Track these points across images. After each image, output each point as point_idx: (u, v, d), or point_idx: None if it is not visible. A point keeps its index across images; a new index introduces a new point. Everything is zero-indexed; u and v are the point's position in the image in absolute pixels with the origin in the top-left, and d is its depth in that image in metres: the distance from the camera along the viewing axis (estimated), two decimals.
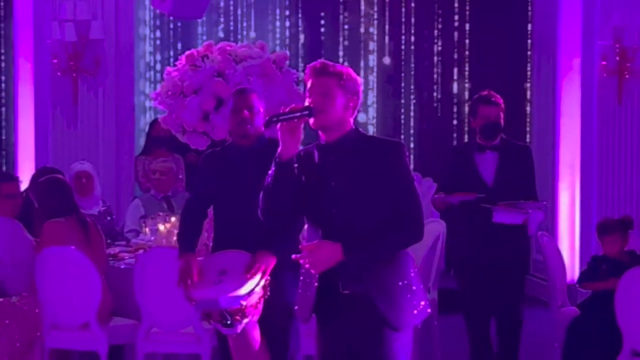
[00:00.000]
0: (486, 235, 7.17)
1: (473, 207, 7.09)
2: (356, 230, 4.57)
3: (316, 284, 4.68)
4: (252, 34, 12.38)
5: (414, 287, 4.67)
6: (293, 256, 4.63)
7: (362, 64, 12.63)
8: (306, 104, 4.65)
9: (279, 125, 4.61)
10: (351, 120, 4.71)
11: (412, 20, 12.58)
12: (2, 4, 11.63)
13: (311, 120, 4.60)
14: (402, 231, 4.62)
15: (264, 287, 5.59)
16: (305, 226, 7.25)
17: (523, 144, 7.87)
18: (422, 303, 4.69)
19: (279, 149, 4.68)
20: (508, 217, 7.07)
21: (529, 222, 7.22)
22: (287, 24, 12.56)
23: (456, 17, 12.57)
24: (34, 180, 8.41)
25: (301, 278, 4.83)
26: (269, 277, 5.64)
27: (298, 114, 4.57)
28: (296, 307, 4.91)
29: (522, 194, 7.20)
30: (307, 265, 4.55)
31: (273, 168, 4.69)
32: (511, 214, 7.09)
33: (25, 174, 9.62)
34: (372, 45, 12.64)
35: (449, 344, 7.93)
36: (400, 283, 4.62)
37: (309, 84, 4.69)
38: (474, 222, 7.19)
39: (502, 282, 7.25)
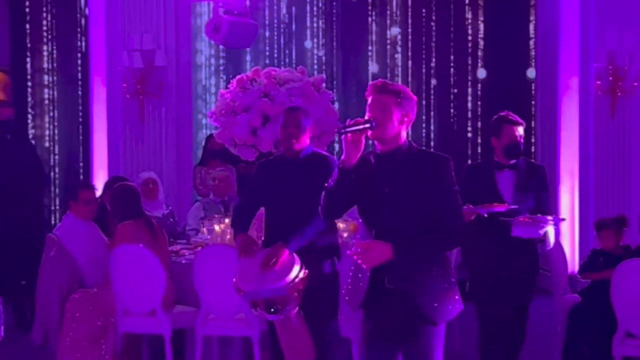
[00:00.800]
0: (501, 246, 6.65)
1: (492, 220, 6.49)
2: (404, 232, 4.54)
3: (367, 278, 4.65)
4: (293, 60, 12.37)
5: (450, 285, 4.64)
6: (348, 252, 4.64)
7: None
8: (366, 117, 4.61)
9: (343, 135, 4.59)
10: (404, 133, 4.65)
11: (433, 46, 12.54)
12: (81, 37, 11.70)
13: (369, 132, 4.55)
14: (445, 236, 4.58)
15: (302, 278, 5.57)
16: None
17: (539, 164, 7.29)
18: (456, 297, 4.66)
19: (342, 157, 4.65)
20: (527, 231, 6.56)
21: (547, 236, 6.81)
22: (323, 51, 12.55)
23: (469, 45, 12.51)
24: (107, 187, 8.44)
25: (351, 272, 4.80)
26: (307, 270, 5.62)
27: (361, 126, 4.55)
28: (347, 298, 4.89)
29: (538, 211, 6.65)
30: (359, 261, 4.53)
31: (336, 173, 4.65)
32: (530, 228, 6.51)
33: (100, 182, 9.67)
34: (397, 70, 12.61)
35: (465, 331, 7.85)
36: (440, 283, 4.60)
37: (369, 100, 4.63)
38: (489, 234, 6.65)
39: (513, 291, 6.76)
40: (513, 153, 6.72)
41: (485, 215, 6.38)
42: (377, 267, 4.55)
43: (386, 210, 4.59)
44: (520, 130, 6.74)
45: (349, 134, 4.54)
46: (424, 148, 4.73)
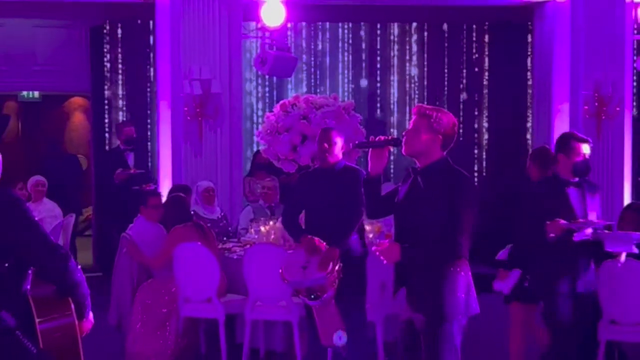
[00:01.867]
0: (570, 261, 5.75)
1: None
2: (417, 237, 4.45)
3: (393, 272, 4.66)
4: (328, 88, 12.38)
5: (457, 288, 4.44)
6: (373, 248, 4.62)
7: (407, 109, 12.59)
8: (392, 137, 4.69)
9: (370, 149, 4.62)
10: (439, 152, 4.51)
11: (445, 75, 12.53)
12: (150, 68, 11.78)
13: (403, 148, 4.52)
14: (441, 247, 4.40)
15: (338, 270, 5.59)
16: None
17: (596, 183, 6.20)
18: (463, 298, 4.45)
19: (369, 167, 4.65)
20: (621, 246, 5.74)
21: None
22: (352, 80, 12.56)
23: (476, 71, 12.50)
24: (170, 195, 8.49)
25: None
26: (341, 264, 5.63)
27: (382, 143, 4.58)
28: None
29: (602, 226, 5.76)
30: (380, 257, 4.51)
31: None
32: (624, 243, 5.70)
33: (165, 190, 9.72)
34: (414, 95, 12.60)
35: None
36: (444, 285, 4.44)
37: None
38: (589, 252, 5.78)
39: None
40: (582, 170, 5.83)
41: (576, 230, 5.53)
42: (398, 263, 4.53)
43: (406, 216, 4.56)
44: (587, 148, 5.86)
45: (370, 149, 4.58)
46: (457, 167, 4.52)
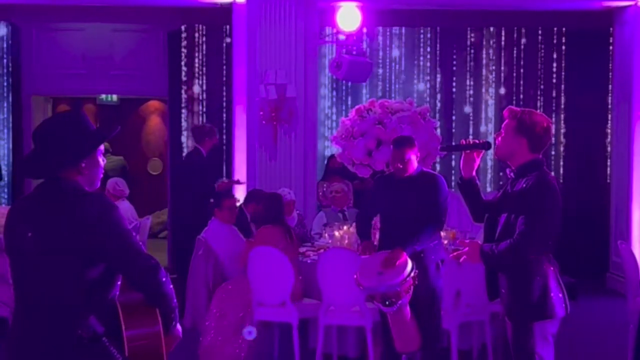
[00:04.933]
0: None
1: None
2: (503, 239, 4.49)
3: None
4: (403, 93, 12.36)
5: (532, 290, 4.39)
6: (451, 256, 4.62)
7: (482, 115, 12.50)
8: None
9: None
10: (529, 154, 4.46)
11: (521, 82, 12.41)
12: (226, 72, 11.91)
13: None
14: (509, 250, 4.35)
15: (413, 277, 5.57)
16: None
17: None
18: (537, 300, 4.43)
19: (461, 171, 4.66)
20: None
21: None
22: (428, 85, 12.51)
23: (554, 76, 12.34)
24: (246, 198, 8.58)
25: None
26: (417, 270, 5.62)
27: (471, 146, 4.59)
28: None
29: None
30: (463, 259, 4.56)
31: None
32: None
33: (240, 193, 9.81)
34: (490, 102, 12.49)
35: None
36: (516, 288, 4.46)
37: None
38: None
39: None
40: None
41: None
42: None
43: (497, 217, 4.55)
44: None
45: (462, 152, 4.57)
46: (544, 170, 4.47)
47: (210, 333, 7.15)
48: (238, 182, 10.12)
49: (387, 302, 5.45)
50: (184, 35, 12.10)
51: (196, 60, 12.09)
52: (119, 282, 3.48)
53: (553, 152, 12.31)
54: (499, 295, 4.54)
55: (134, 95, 14.33)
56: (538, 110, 4.69)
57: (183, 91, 12.10)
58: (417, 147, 6.26)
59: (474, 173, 4.64)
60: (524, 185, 4.35)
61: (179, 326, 3.63)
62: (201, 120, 12.04)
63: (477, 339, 7.42)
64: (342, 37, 9.50)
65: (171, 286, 3.53)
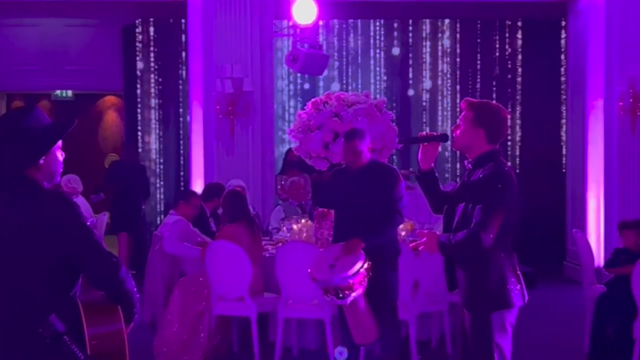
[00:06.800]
0: None
1: None
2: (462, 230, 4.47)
3: None
4: (359, 85, 12.38)
5: (489, 280, 4.37)
6: (411, 245, 4.59)
7: (439, 106, 12.55)
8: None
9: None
10: (487, 145, 4.43)
11: (478, 74, 12.47)
12: (182, 67, 11.83)
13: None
14: (466, 241, 4.31)
15: (367, 269, 5.55)
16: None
17: None
18: (495, 290, 4.41)
19: (419, 163, 4.63)
20: None
21: None
22: (385, 78, 12.54)
23: (509, 67, 12.43)
24: (204, 193, 8.52)
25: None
26: (370, 262, 5.61)
27: (429, 138, 4.56)
28: None
29: None
30: (421, 249, 4.53)
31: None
32: None
33: (198, 188, 9.77)
34: (446, 93, 12.55)
35: None
36: (474, 278, 4.42)
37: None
38: None
39: None
40: None
41: None
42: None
43: (455, 208, 4.54)
44: None
45: (420, 145, 4.55)
46: (501, 161, 4.45)
47: (171, 327, 7.10)
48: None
49: (340, 295, 5.44)
50: (138, 29, 12.00)
51: (151, 54, 12.00)
52: (80, 280, 3.45)
53: (509, 143, 12.40)
54: (457, 286, 4.54)
55: (89, 90, 14.20)
56: (493, 102, 4.66)
57: (138, 86, 12.01)
58: (368, 138, 6.24)
59: (432, 165, 4.64)
60: (481, 176, 4.35)
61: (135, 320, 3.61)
62: (157, 115, 11.96)
63: (435, 329, 7.46)
64: (298, 30, 9.48)
65: (132, 284, 3.50)
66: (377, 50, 12.51)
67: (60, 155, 3.49)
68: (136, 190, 11.17)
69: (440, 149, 4.68)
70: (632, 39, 9.94)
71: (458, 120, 4.56)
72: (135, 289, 3.52)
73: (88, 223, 3.43)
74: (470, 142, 4.45)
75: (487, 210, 4.27)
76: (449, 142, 4.76)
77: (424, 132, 4.72)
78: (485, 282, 4.34)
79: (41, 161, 3.39)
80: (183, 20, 11.46)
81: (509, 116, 4.59)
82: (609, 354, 6.80)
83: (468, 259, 4.39)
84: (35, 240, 3.30)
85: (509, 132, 12.38)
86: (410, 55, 12.50)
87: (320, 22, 10.97)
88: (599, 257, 9.82)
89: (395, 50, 12.49)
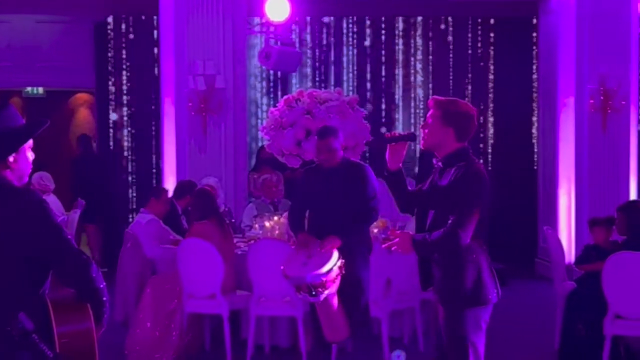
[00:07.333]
0: None
1: None
2: (434, 228, 4.44)
3: None
4: (332, 83, 12.37)
5: (465, 277, 4.37)
6: (384, 246, 4.57)
7: (412, 104, 12.58)
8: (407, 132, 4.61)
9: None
10: (456, 143, 4.41)
11: (450, 72, 12.50)
12: (154, 64, 11.76)
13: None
14: (441, 239, 4.30)
15: (340, 266, 5.54)
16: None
17: None
18: (471, 288, 4.40)
19: (387, 163, 4.59)
20: None
21: None
22: (357, 75, 12.54)
23: (481, 65, 12.47)
24: (176, 190, 8.48)
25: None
26: (343, 260, 5.60)
27: (398, 139, 4.52)
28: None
29: None
30: (394, 248, 4.49)
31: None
32: None
33: (169, 186, 9.72)
34: (418, 90, 12.59)
35: None
36: (450, 275, 4.42)
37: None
38: None
39: None
40: None
41: None
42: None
43: (426, 207, 4.53)
44: None
45: (388, 145, 4.52)
46: (471, 158, 4.44)
47: (144, 326, 7.06)
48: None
49: (313, 293, 5.42)
50: (110, 26, 11.92)
51: (123, 51, 11.93)
52: (49, 278, 3.43)
53: (482, 141, 12.45)
54: (432, 284, 4.54)
55: (60, 87, 14.06)
56: (466, 99, 4.66)
57: (110, 83, 11.93)
58: (341, 136, 6.23)
59: (400, 165, 4.63)
60: (453, 178, 4.33)
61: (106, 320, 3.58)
62: (129, 112, 11.89)
63: (408, 326, 7.47)
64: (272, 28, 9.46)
65: (102, 281, 3.48)
66: (350, 48, 12.51)
67: (30, 155, 3.48)
68: (96, 184, 11.20)
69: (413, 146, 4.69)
70: (603, 38, 10.00)
71: (426, 119, 4.54)
72: (105, 288, 3.50)
73: (59, 220, 3.42)
74: (440, 141, 4.44)
75: (464, 209, 4.28)
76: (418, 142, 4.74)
77: (392, 132, 4.69)
78: (462, 279, 4.34)
79: (11, 159, 3.38)
80: (155, 17, 11.39)
81: (477, 113, 4.58)
82: (579, 350, 6.84)
83: (445, 257, 4.39)
84: (5, 238, 3.28)
85: (481, 129, 12.50)
86: (383, 52, 12.51)
87: (294, 20, 10.94)
88: (570, 254, 9.88)
89: (368, 48, 12.49)
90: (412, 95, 12.58)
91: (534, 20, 12.03)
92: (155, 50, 11.61)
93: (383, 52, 12.50)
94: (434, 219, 4.42)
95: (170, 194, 8.36)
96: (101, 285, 3.48)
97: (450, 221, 4.26)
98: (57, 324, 3.33)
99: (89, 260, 3.43)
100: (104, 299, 3.49)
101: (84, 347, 3.38)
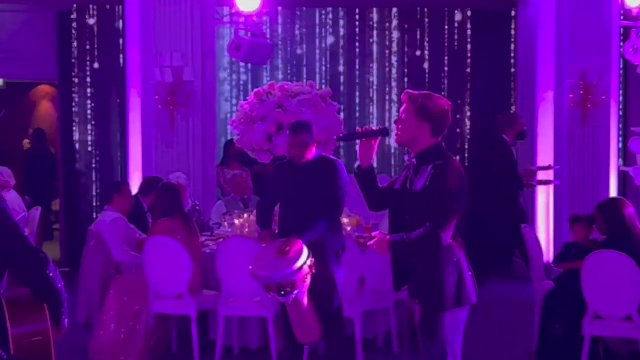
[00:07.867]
0: None
1: None
2: (410, 227, 4.42)
3: None
4: (304, 76, 12.35)
5: (445, 279, 4.38)
6: (369, 243, 4.55)
7: (387, 97, 12.58)
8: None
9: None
10: (430, 138, 4.41)
11: (426, 65, 12.50)
12: (119, 55, 11.67)
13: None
14: (420, 238, 4.33)
15: (310, 265, 5.53)
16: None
17: None
18: (453, 289, 4.42)
19: (359, 160, 4.58)
20: None
21: None
22: (330, 68, 12.53)
23: (459, 58, 12.49)
24: (142, 187, 8.43)
25: None
26: (314, 259, 5.58)
27: (370, 134, 4.50)
28: None
29: None
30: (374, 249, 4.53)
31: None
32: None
33: (135, 182, 9.66)
34: (394, 83, 12.59)
35: None
36: (430, 276, 4.43)
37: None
38: None
39: None
40: None
41: None
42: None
43: (399, 206, 4.52)
44: None
45: (360, 140, 4.50)
46: (446, 154, 4.43)
47: (108, 327, 7.02)
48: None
49: (282, 293, 5.41)
50: (74, 16, 11.81)
51: (87, 42, 11.83)
52: (4, 277, 3.39)
53: (459, 140, 12.47)
54: (407, 285, 4.53)
55: (21, 79, 13.93)
56: (442, 93, 4.65)
57: (74, 75, 11.83)
58: (314, 132, 6.21)
59: (372, 161, 4.61)
60: (431, 177, 4.31)
61: (66, 321, 3.54)
62: (93, 105, 11.80)
63: (381, 327, 7.47)
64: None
65: (60, 280, 3.44)
66: (323, 40, 12.49)
67: None
68: (47, 179, 11.19)
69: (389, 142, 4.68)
70: (582, 31, 10.04)
71: (399, 114, 4.52)
72: (63, 288, 3.46)
73: (19, 217, 3.38)
74: (415, 136, 4.42)
75: (443, 208, 4.27)
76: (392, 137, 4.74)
77: (363, 127, 4.65)
78: (443, 280, 4.35)
79: None
80: (120, 7, 11.30)
81: (451, 108, 4.55)
82: (557, 351, 6.86)
83: (426, 258, 4.36)
84: None
85: (458, 124, 12.52)
86: (357, 44, 12.50)
87: (265, 10, 10.91)
88: (549, 253, 9.94)
89: (342, 40, 12.48)
90: (387, 89, 12.58)
91: (513, 12, 12.05)
92: (121, 40, 11.52)
93: (357, 44, 12.49)
94: (411, 220, 4.40)
95: (135, 190, 8.31)
96: (59, 285, 3.44)
97: (430, 221, 4.25)
98: (12, 325, 3.29)
99: (46, 258, 3.39)
100: (62, 299, 3.45)
101: (41, 349, 3.35)
